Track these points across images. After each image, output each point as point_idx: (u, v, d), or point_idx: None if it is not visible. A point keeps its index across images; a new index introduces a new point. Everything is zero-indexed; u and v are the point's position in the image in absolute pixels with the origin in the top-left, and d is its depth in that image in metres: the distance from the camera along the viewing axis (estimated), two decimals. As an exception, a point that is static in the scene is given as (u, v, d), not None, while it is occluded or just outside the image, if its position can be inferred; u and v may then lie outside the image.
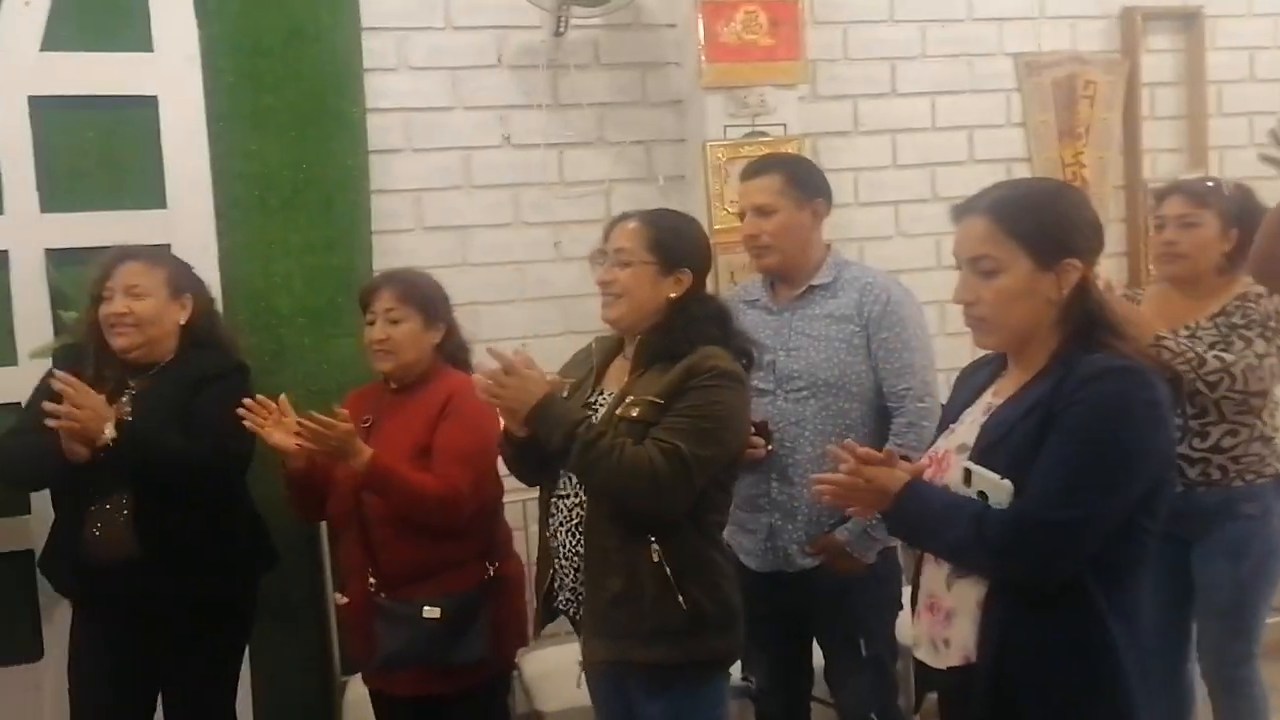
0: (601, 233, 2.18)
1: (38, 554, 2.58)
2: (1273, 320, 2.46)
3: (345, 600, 2.47)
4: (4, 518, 2.71)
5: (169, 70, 2.80)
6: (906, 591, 2.10)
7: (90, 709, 2.47)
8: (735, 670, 2.23)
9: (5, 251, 2.72)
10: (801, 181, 2.48)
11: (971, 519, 1.56)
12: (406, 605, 2.32)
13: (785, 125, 3.15)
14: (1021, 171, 3.53)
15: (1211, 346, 2.45)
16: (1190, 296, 2.57)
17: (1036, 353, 1.64)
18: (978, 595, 1.60)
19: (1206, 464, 2.52)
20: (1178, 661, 2.63)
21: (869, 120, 3.47)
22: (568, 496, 2.08)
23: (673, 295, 2.07)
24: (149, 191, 2.81)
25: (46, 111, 2.73)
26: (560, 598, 2.12)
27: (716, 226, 3.03)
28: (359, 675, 2.63)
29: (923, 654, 1.71)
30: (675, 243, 2.09)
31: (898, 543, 2.42)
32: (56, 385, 2.20)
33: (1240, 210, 2.51)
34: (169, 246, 2.72)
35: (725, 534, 2.15)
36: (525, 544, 2.72)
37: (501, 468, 2.30)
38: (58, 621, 2.68)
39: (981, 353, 1.80)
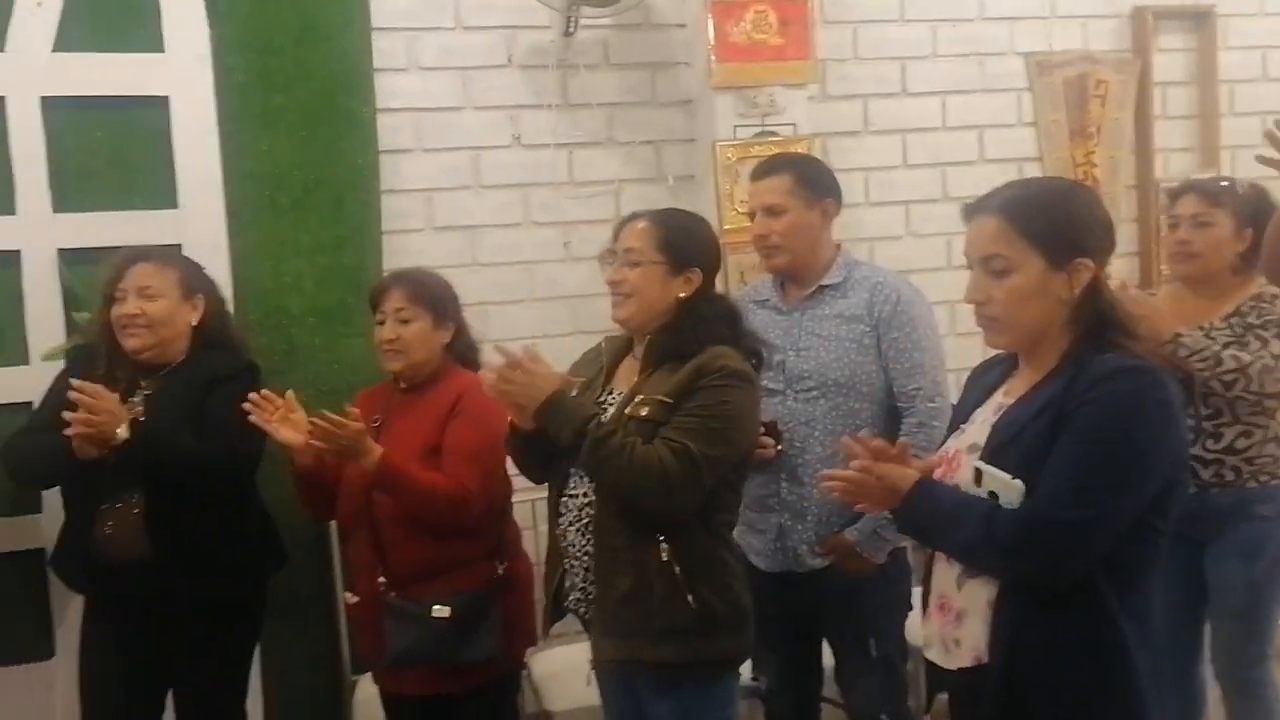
0: (611, 232, 2.18)
1: (48, 553, 2.59)
2: None
3: (355, 599, 2.48)
4: (15, 516, 2.73)
5: (180, 70, 2.82)
6: (916, 592, 2.10)
7: (101, 708, 2.47)
8: (745, 670, 2.23)
9: (17, 251, 2.73)
10: (811, 181, 2.48)
11: (982, 518, 1.55)
12: (416, 604, 2.33)
13: (795, 125, 3.15)
14: (1033, 171, 3.52)
15: (1226, 347, 2.44)
16: (1204, 296, 2.56)
17: (1048, 352, 1.64)
18: (988, 595, 1.60)
19: (1220, 465, 2.50)
20: (1189, 663, 2.62)
21: (879, 120, 3.47)
22: (577, 495, 2.08)
23: (682, 295, 2.07)
24: (160, 191, 2.82)
25: (58, 112, 2.74)
26: (570, 597, 2.12)
27: (726, 226, 3.03)
28: (369, 674, 2.64)
29: (933, 654, 1.70)
30: (685, 242, 2.09)
31: (908, 543, 2.42)
32: (74, 396, 2.21)
33: (1255, 210, 2.50)
34: (180, 246, 2.73)
35: (735, 534, 2.15)
36: (535, 543, 2.71)
37: (511, 467, 2.30)
38: (69, 620, 2.69)
39: (992, 352, 1.80)
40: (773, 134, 3.11)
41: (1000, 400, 1.70)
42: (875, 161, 3.47)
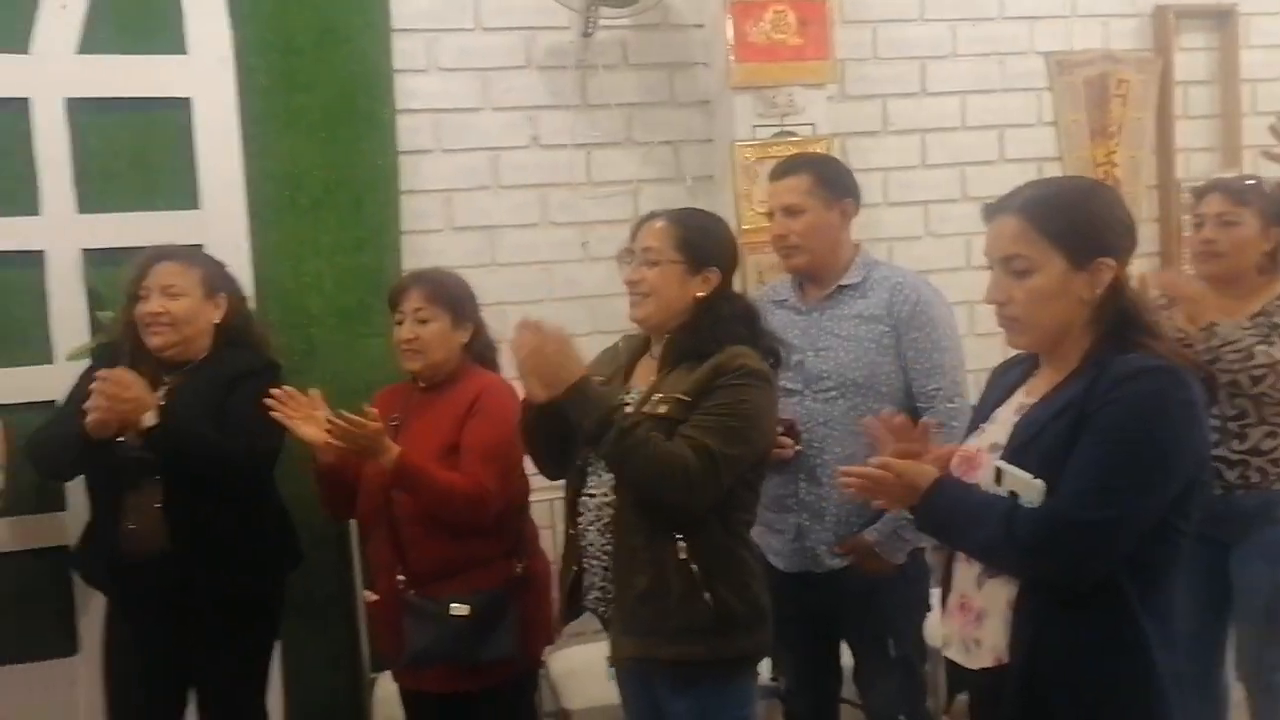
0: (629, 232, 2.19)
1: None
2: None
3: (374, 598, 2.49)
4: (39, 514, 2.75)
5: (202, 72, 2.84)
6: (935, 593, 2.09)
7: (124, 705, 2.50)
8: (764, 670, 2.23)
9: (42, 252, 2.76)
10: (830, 181, 2.47)
11: (1002, 517, 1.55)
12: (435, 602, 2.34)
13: (814, 125, 3.15)
14: (1053, 171, 3.50)
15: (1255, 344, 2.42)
16: (1229, 296, 2.54)
17: (1069, 352, 1.63)
18: (1009, 595, 1.59)
19: (1245, 467, 2.48)
20: (1213, 666, 2.60)
21: (898, 120, 3.46)
22: (596, 495, 2.08)
23: (700, 294, 2.07)
24: (182, 192, 2.84)
25: (82, 113, 2.77)
26: (589, 596, 2.12)
27: (744, 226, 3.03)
28: (388, 672, 2.65)
29: (954, 653, 1.70)
30: (703, 242, 2.09)
31: (926, 543, 2.41)
32: (98, 385, 2.23)
33: (1281, 209, 2.49)
34: (202, 247, 2.74)
35: (753, 534, 2.14)
36: (553, 542, 2.72)
37: (529, 466, 2.31)
38: (92, 616, 2.71)
39: (1012, 352, 1.79)
40: (791, 134, 3.11)
41: (1021, 400, 1.69)
42: (894, 161, 3.46)
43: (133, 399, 2.25)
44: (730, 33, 3.08)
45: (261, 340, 2.59)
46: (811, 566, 2.45)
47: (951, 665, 1.73)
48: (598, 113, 3.22)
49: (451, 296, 2.47)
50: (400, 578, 2.37)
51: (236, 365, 2.47)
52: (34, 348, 2.75)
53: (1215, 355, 2.39)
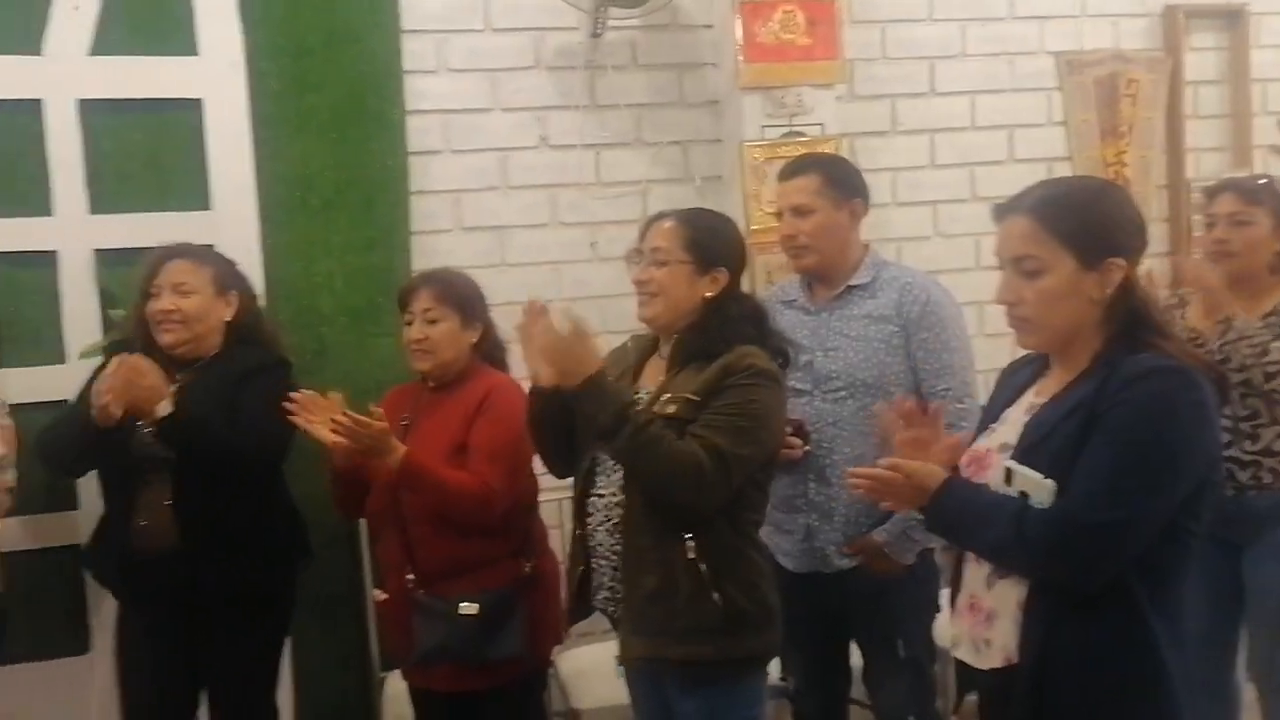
0: (638, 232, 2.19)
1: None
2: None
3: (384, 596, 2.50)
4: (51, 513, 2.77)
5: (213, 74, 2.85)
6: (944, 594, 2.09)
7: (138, 703, 2.51)
8: (774, 670, 2.23)
9: (55, 252, 2.78)
10: (839, 181, 2.47)
11: (1012, 518, 1.55)
12: (443, 601, 2.35)
13: (823, 125, 3.14)
14: (1062, 171, 3.49)
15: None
16: (1241, 295, 2.53)
17: (1080, 353, 1.63)
18: (1019, 596, 1.59)
19: (1258, 467, 2.48)
20: (1225, 667, 2.59)
21: (907, 120, 3.46)
22: (605, 495, 2.08)
23: (708, 294, 2.07)
24: (194, 193, 2.86)
25: (95, 115, 2.79)
26: (598, 596, 2.13)
27: (753, 227, 3.03)
28: (398, 671, 2.66)
29: (963, 653, 1.70)
30: (711, 242, 2.10)
31: (936, 544, 2.41)
32: (114, 368, 2.25)
33: (1293, 208, 2.48)
34: (213, 247, 2.75)
35: (763, 534, 2.14)
36: (561, 542, 2.73)
37: (538, 465, 2.31)
38: (105, 615, 2.72)
39: (1021, 353, 1.79)
40: (800, 134, 3.11)
41: (1032, 400, 1.69)
42: (903, 162, 3.45)
43: (149, 385, 2.27)
44: (739, 33, 3.08)
45: (272, 338, 2.61)
46: (820, 567, 2.45)
47: (961, 665, 1.73)
48: (607, 113, 3.22)
49: (460, 297, 2.48)
50: (410, 577, 2.38)
51: (247, 362, 2.48)
52: (46, 348, 2.77)
53: (1227, 354, 2.39)
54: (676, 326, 2.09)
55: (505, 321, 2.65)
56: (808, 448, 2.41)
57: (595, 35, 3.12)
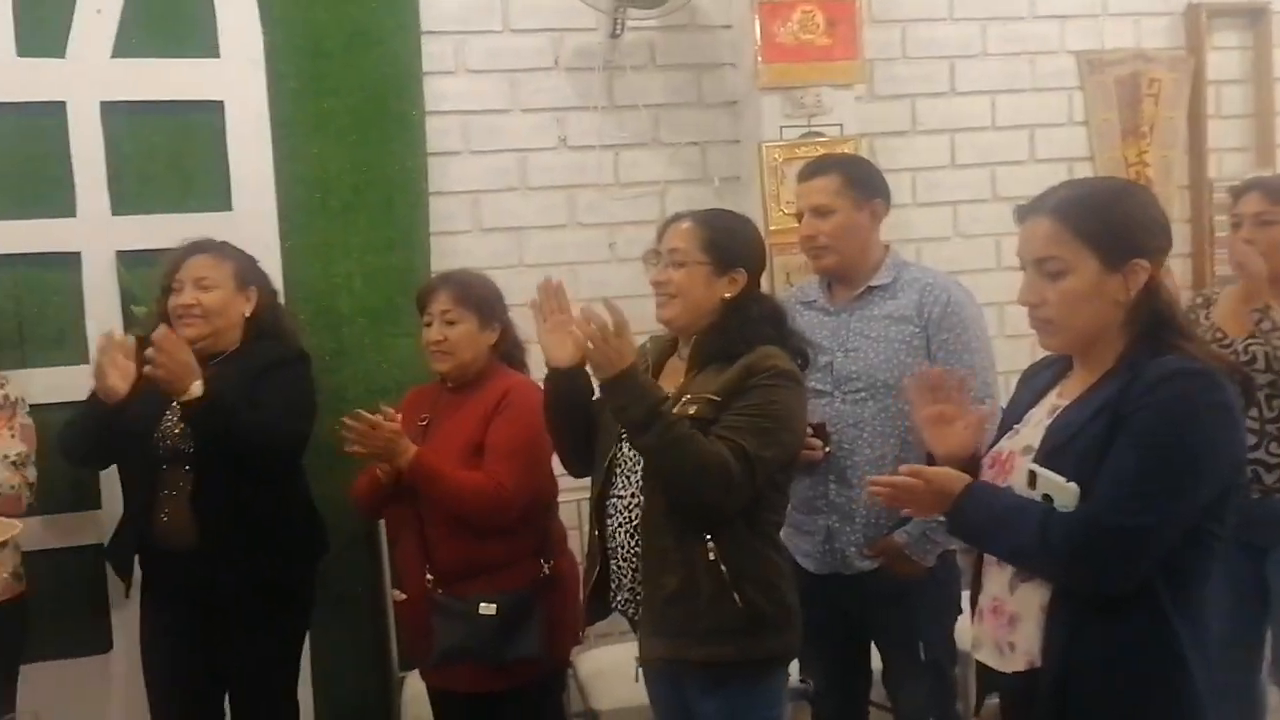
0: (656, 233, 2.19)
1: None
2: None
3: (403, 597, 2.51)
4: (74, 512, 2.79)
5: (234, 76, 2.87)
6: (965, 595, 2.08)
7: (164, 699, 2.53)
8: (794, 672, 2.22)
9: (78, 253, 2.80)
10: (860, 182, 2.46)
11: (1036, 523, 1.54)
12: (462, 601, 2.35)
13: (842, 125, 3.13)
14: (1084, 171, 3.47)
15: None
16: (1268, 296, 2.51)
17: (1103, 354, 1.61)
18: (1042, 599, 1.58)
19: (1283, 470, 2.46)
20: (1250, 671, 2.57)
21: (927, 120, 3.44)
22: (624, 496, 2.08)
23: (727, 295, 2.07)
24: (214, 194, 2.88)
25: (117, 116, 2.81)
26: (618, 597, 2.13)
27: (772, 227, 3.02)
28: (417, 671, 2.66)
29: (985, 656, 1.69)
30: (730, 243, 2.09)
31: (956, 546, 2.39)
32: (156, 336, 2.26)
33: (1320, 208, 2.46)
34: (233, 245, 2.78)
35: (783, 536, 2.14)
36: (580, 543, 2.73)
37: (556, 465, 2.31)
38: (126, 613, 2.74)
39: (1042, 354, 1.78)
40: (819, 134, 3.10)
41: (1054, 402, 1.68)
42: (923, 162, 3.44)
43: (185, 362, 2.27)
44: (758, 33, 3.08)
45: (291, 333, 2.63)
46: (841, 568, 2.44)
47: (982, 668, 1.72)
48: (625, 114, 3.22)
49: (479, 298, 2.48)
50: (429, 577, 2.39)
51: (267, 356, 2.50)
52: (69, 348, 2.80)
53: (1253, 354, 2.36)
54: (695, 328, 2.08)
55: (524, 322, 2.66)
56: (829, 449, 2.39)
57: (614, 36, 3.12)
